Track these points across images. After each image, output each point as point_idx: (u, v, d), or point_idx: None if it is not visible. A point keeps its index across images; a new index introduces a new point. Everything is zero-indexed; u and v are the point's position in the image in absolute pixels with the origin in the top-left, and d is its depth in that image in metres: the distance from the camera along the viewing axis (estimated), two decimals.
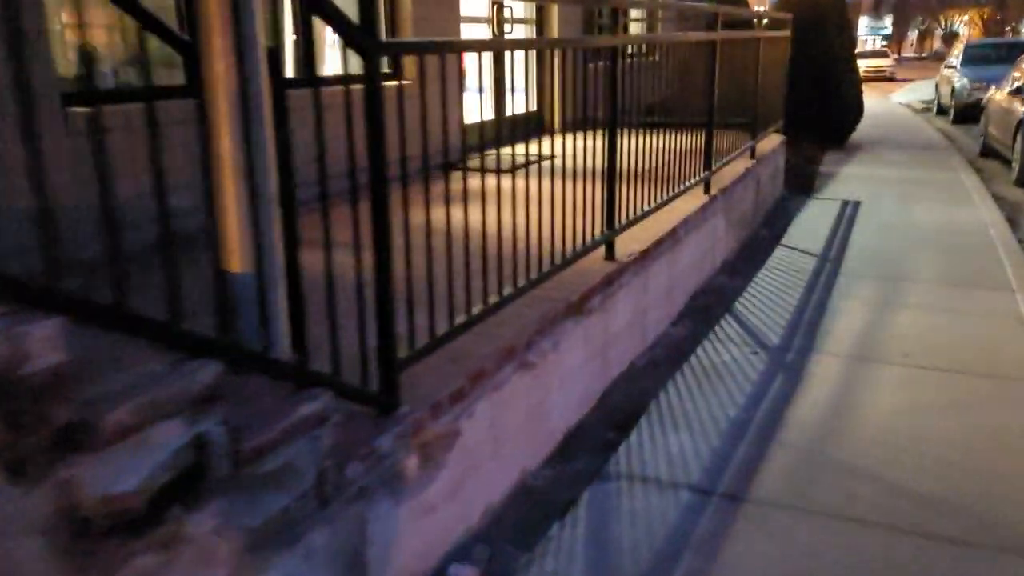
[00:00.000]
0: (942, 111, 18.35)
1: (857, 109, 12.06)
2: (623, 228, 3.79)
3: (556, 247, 3.23)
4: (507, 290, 2.82)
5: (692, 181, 4.89)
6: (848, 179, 9.38)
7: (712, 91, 5.17)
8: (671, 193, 4.51)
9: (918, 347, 4.18)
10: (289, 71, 4.67)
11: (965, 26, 62.19)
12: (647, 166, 4.24)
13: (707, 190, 5.20)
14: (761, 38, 6.43)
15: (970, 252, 6.02)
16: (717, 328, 4.49)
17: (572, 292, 3.28)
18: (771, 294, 5.07)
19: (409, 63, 6.01)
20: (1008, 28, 51.77)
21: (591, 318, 3.34)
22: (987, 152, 11.36)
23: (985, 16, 55.93)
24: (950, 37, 61.96)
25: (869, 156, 11.27)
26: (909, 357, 4.05)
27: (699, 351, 4.16)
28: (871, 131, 14.00)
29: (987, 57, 17.88)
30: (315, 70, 5.24)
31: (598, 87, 3.83)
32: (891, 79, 35.16)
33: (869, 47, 60.39)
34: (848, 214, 7.39)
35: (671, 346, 4.25)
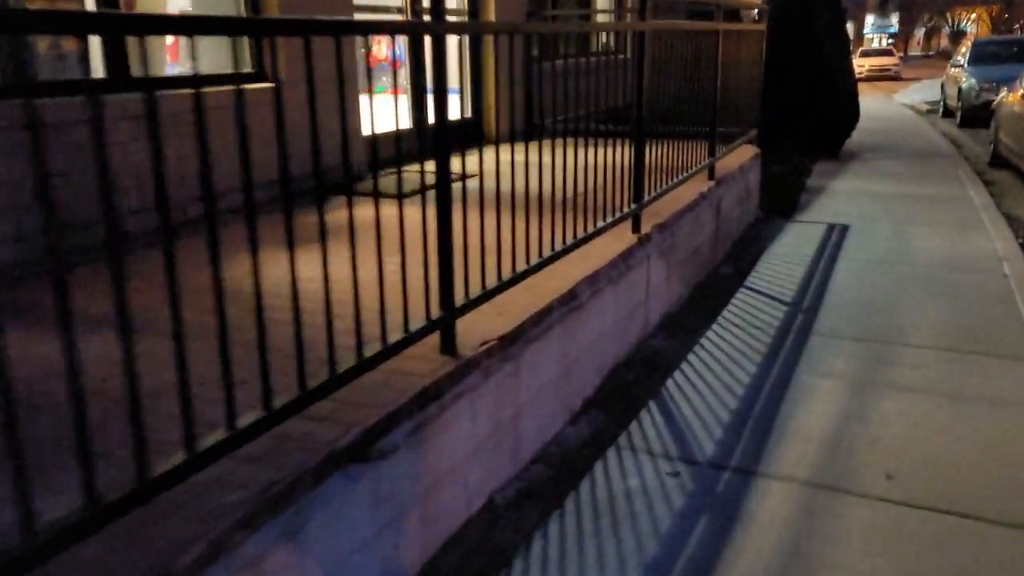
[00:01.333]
0: (948, 113, 17.09)
1: (852, 114, 10.81)
2: (466, 307, 2.58)
3: (366, 330, 2.07)
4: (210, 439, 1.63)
5: (612, 218, 3.69)
6: (838, 195, 8.14)
7: (640, 94, 3.97)
8: (576, 238, 3.31)
9: (906, 463, 2.96)
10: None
11: (972, 24, 60.77)
12: (559, 195, 3.06)
13: (636, 228, 4.00)
14: (720, 30, 5.21)
15: (980, 299, 4.80)
16: (633, 425, 3.28)
17: (353, 424, 2.08)
18: (718, 366, 3.86)
19: (283, 58, 4.81)
20: (1017, 26, 50.31)
21: (389, 463, 2.14)
22: (998, 162, 10.11)
23: (993, 14, 54.49)
24: (957, 35, 60.58)
25: (865, 166, 10.04)
26: (894, 481, 2.84)
27: (597, 470, 2.95)
28: (869, 136, 12.74)
29: (997, 55, 16.61)
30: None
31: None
32: (896, 78, 33.86)
33: (875, 45, 59.01)
34: (832, 243, 6.17)
35: (559, 461, 3.04)
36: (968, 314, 4.54)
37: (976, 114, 14.67)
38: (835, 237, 6.34)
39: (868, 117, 15.84)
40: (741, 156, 6.32)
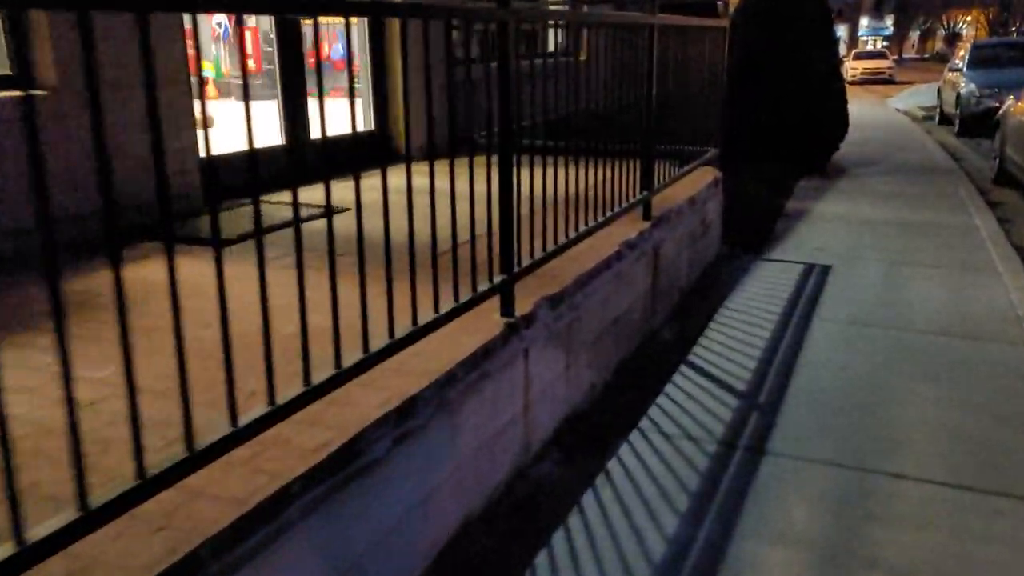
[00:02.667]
0: (945, 120, 15.91)
1: (841, 124, 9.59)
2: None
3: None
4: None
5: (464, 298, 2.45)
6: (821, 222, 6.91)
7: (507, 107, 2.75)
8: (392, 338, 2.08)
9: None
10: None
11: (969, 27, 59.75)
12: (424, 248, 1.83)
13: (508, 307, 2.76)
14: (655, 25, 3.96)
15: (998, 389, 3.57)
16: None
17: None
18: (623, 522, 2.61)
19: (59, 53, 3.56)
20: (1014, 28, 49.24)
21: None
22: (1004, 179, 8.90)
23: (990, 16, 53.44)
24: (953, 37, 59.54)
25: (854, 184, 8.81)
26: None
27: None
28: (860, 147, 11.53)
29: (997, 59, 15.44)
30: None
31: None
32: (890, 81, 32.72)
33: (870, 47, 58.00)
34: (808, 293, 4.93)
35: None
36: (983, 416, 3.30)
37: (976, 122, 13.49)
38: (812, 284, 5.11)
39: (860, 125, 14.64)
40: (695, 183, 5.09)
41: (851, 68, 34.21)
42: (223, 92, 10.29)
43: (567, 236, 3.16)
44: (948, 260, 5.67)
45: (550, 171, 3.07)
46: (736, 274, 5.32)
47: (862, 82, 32.80)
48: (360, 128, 5.76)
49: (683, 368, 3.83)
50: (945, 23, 64.22)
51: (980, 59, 15.34)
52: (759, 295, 4.90)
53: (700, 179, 5.24)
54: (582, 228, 3.30)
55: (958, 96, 14.43)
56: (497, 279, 2.67)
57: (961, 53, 16.58)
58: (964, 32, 58.30)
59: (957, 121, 14.39)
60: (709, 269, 5.41)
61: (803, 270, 5.41)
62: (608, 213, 3.57)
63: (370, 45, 5.75)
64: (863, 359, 3.90)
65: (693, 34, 4.83)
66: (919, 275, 5.31)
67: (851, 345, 4.09)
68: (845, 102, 9.53)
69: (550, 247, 3.03)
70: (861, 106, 20.09)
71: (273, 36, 5.15)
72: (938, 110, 16.79)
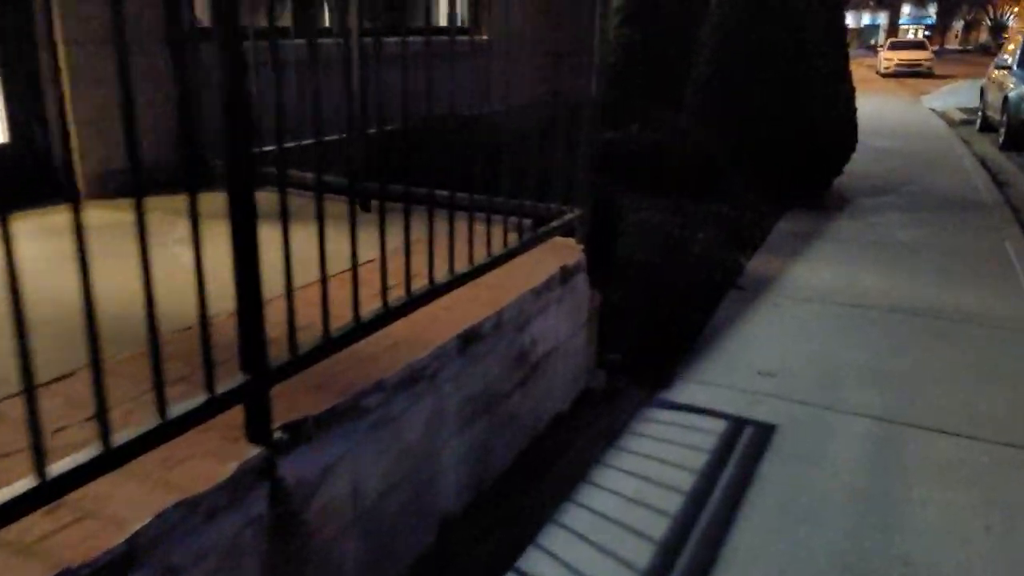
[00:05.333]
0: (988, 127, 13.23)
1: (846, 139, 7.08)
2: None
3: None
4: None
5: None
6: (788, 307, 4.46)
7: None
8: None
9: None
10: None
11: (1017, 19, 55.94)
12: None
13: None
14: None
15: None
16: None
17: None
18: None
19: None
20: None
21: None
22: None
23: None
24: (997, 29, 55.79)
25: (856, 228, 6.32)
26: None
27: None
28: (878, 164, 8.99)
29: None
30: None
31: None
32: (928, 75, 29.67)
33: (911, 36, 54.54)
34: (712, 512, 2.53)
35: None
36: None
37: None
38: (727, 480, 2.70)
39: (882, 131, 12.02)
40: (511, 280, 2.68)
41: (885, 59, 31.20)
42: None
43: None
44: (997, 417, 3.23)
45: None
46: (596, 445, 2.91)
47: (896, 75, 29.82)
48: None
49: None
50: (991, 13, 60.33)
51: None
52: (615, 509, 2.49)
53: (541, 264, 2.82)
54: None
55: (1005, 99, 11.76)
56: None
57: (1011, 47, 13.83)
58: (1011, 24, 54.49)
59: (1003, 130, 11.73)
60: (550, 435, 2.98)
61: (719, 440, 2.99)
62: None
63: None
64: None
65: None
66: (939, 457, 2.88)
67: None
68: (853, 111, 7.01)
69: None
70: (888, 104, 17.36)
71: None
72: (980, 114, 14.08)
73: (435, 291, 2.22)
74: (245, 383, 1.61)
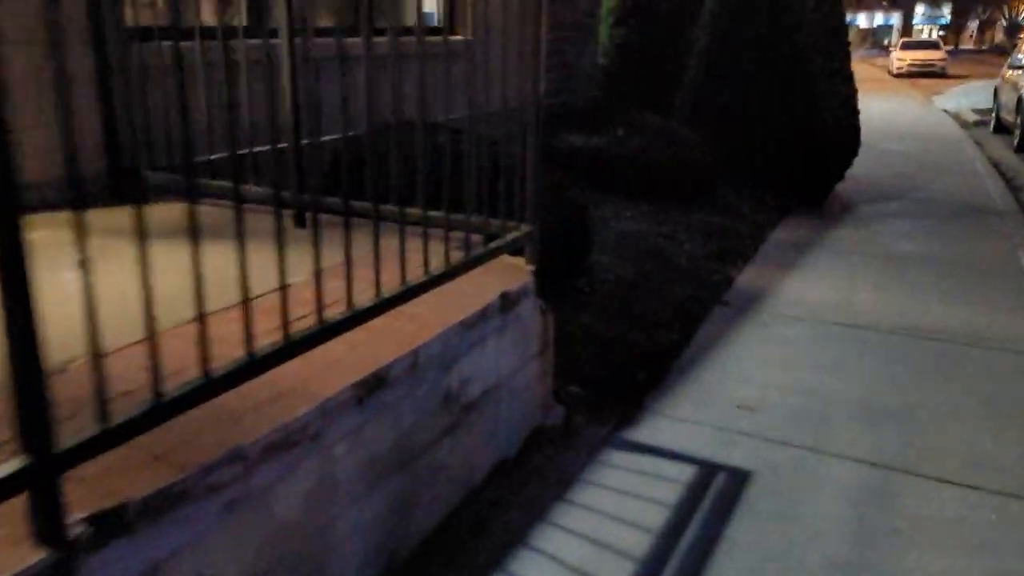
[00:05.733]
0: (1002, 128, 12.77)
1: (847, 142, 6.68)
2: None
3: None
4: None
5: None
6: (776, 327, 4.06)
7: None
8: None
9: None
10: None
11: None
12: None
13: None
14: None
15: None
16: None
17: None
18: None
19: None
20: None
21: None
22: None
23: None
24: (1013, 29, 54.93)
25: (858, 236, 5.92)
26: None
27: None
28: (884, 167, 8.58)
29: None
30: None
31: None
32: (941, 75, 29.08)
33: (925, 36, 53.82)
34: None
35: None
36: None
37: None
38: (688, 545, 2.32)
39: (891, 133, 11.59)
40: (457, 305, 2.31)
41: (897, 59, 30.64)
42: None
43: None
44: (1006, 455, 2.83)
45: None
46: (533, 508, 2.52)
47: (909, 75, 29.27)
48: None
49: None
50: (1006, 13, 59.47)
51: None
52: None
53: (463, 299, 2.45)
54: None
55: (1019, 100, 11.32)
56: None
57: None
58: None
59: (1018, 132, 11.28)
60: (484, 489, 2.59)
61: (685, 491, 2.61)
62: None
63: None
64: None
65: None
66: (938, 513, 2.49)
67: None
68: (855, 112, 6.60)
69: None
70: (899, 105, 16.90)
71: None
72: (994, 115, 13.60)
73: (326, 332, 1.85)
74: (25, 467, 1.25)
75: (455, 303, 2.41)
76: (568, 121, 6.40)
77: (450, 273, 2.34)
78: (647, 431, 2.97)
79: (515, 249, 2.77)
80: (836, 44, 6.53)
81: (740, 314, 4.23)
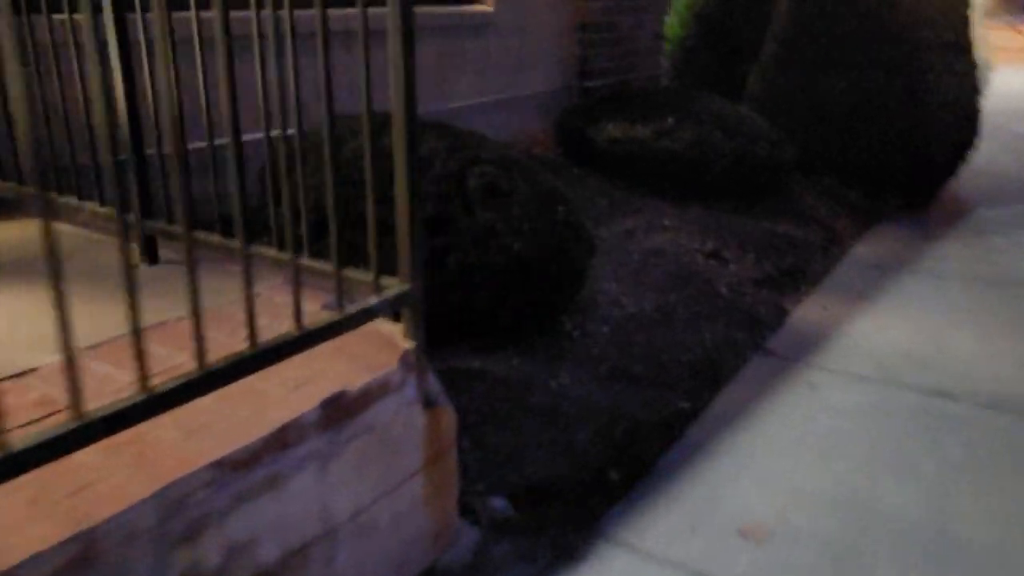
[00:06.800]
0: None
1: (961, 131, 5.40)
2: None
3: None
4: None
5: None
6: (831, 390, 3.03)
7: None
8: None
9: None
10: None
11: None
12: None
13: None
14: None
15: None
16: None
17: None
18: None
19: None
20: None
21: None
22: None
23: None
24: None
25: (966, 257, 4.70)
26: None
27: None
28: (1016, 158, 7.13)
29: None
30: None
31: None
32: None
33: None
34: None
35: None
36: None
37: None
38: None
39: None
40: (238, 425, 1.50)
41: None
42: None
43: None
44: None
45: None
46: None
47: None
48: None
49: None
50: None
51: None
52: None
53: (261, 409, 1.62)
54: None
55: None
56: None
57: None
58: None
59: None
60: None
61: None
62: None
63: None
64: None
65: None
66: None
67: None
68: (974, 92, 5.32)
69: None
70: None
71: None
72: None
73: None
74: None
75: (227, 421, 1.58)
76: (614, 106, 5.44)
77: (244, 366, 1.52)
78: (596, 572, 2.08)
79: (396, 312, 1.93)
80: (952, 12, 5.26)
81: (784, 368, 3.22)
